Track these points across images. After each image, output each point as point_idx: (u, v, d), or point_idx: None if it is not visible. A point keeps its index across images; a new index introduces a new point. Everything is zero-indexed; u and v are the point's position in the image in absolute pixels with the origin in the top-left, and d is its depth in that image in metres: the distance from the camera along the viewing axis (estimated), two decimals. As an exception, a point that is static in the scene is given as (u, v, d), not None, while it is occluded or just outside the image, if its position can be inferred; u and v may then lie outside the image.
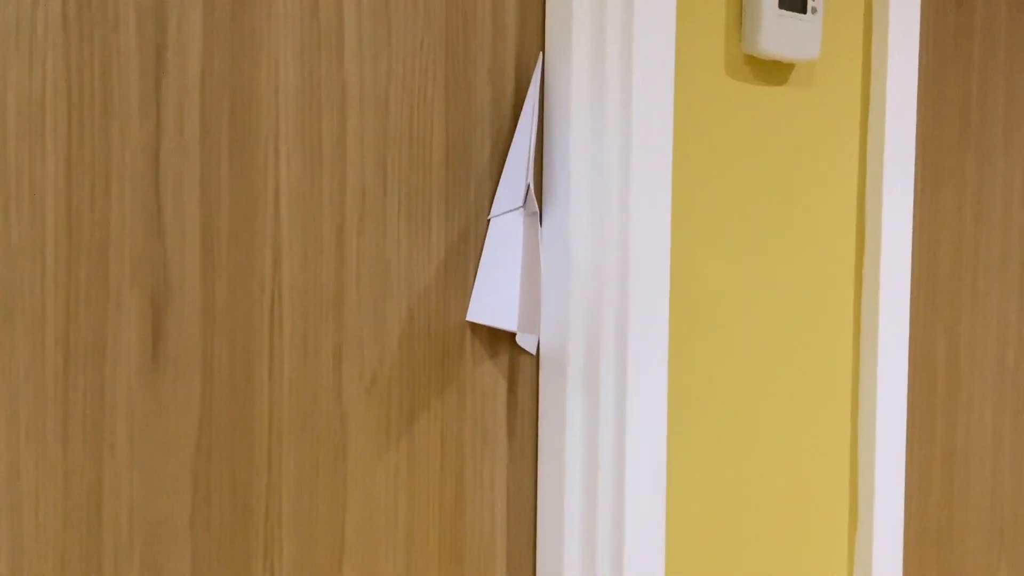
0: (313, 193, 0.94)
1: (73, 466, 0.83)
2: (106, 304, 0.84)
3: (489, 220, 1.06)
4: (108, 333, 0.84)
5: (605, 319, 1.06)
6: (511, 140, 1.06)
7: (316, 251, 0.94)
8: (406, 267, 1.00)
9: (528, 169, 1.04)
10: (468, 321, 1.05)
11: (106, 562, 0.85)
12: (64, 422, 0.83)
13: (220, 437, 0.90)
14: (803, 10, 1.19)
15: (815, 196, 1.27)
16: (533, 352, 1.09)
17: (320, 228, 0.95)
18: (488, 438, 1.06)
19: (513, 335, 1.08)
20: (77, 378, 0.83)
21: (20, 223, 0.80)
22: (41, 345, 0.81)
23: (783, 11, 1.17)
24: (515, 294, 1.04)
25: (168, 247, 0.87)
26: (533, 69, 1.07)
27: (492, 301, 1.04)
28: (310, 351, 0.95)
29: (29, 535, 0.82)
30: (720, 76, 1.17)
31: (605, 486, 1.07)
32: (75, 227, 0.82)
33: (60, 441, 0.83)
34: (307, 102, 0.93)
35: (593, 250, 1.06)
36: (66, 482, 0.83)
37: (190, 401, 0.88)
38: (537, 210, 1.05)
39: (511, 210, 1.05)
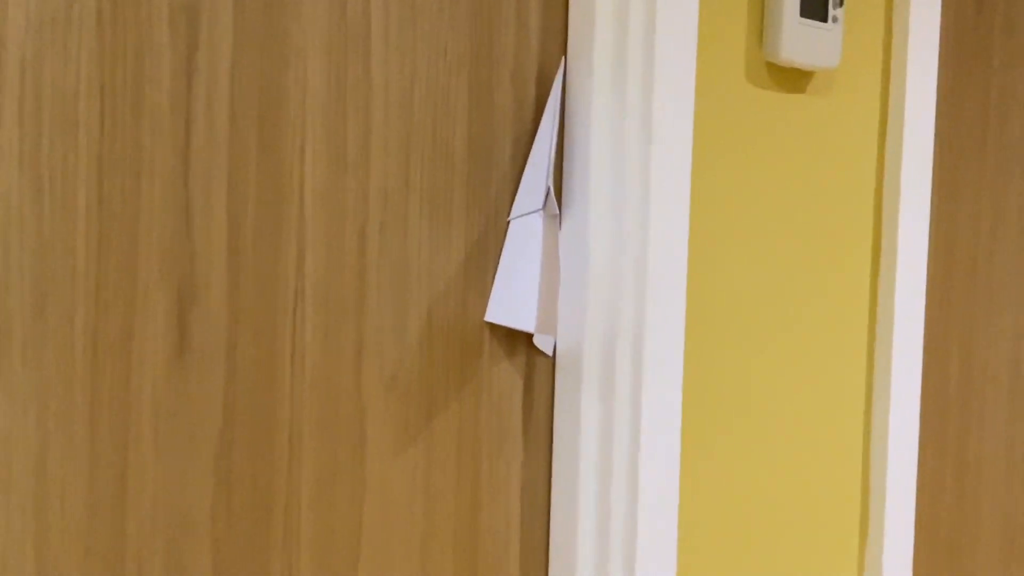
0: (337, 192, 0.95)
1: (99, 457, 0.84)
2: (134, 298, 0.85)
3: (509, 221, 1.06)
4: (136, 326, 0.85)
5: (622, 322, 1.07)
6: (532, 143, 1.07)
7: (339, 249, 0.96)
8: (427, 266, 1.01)
9: (548, 172, 1.04)
10: (486, 321, 1.05)
11: (129, 552, 0.86)
12: (91, 413, 0.84)
13: (242, 431, 0.91)
14: (824, 19, 1.19)
15: (833, 204, 1.27)
16: (550, 354, 1.10)
17: (343, 227, 0.96)
18: (504, 438, 1.07)
19: (530, 336, 1.09)
20: (105, 370, 0.84)
21: (52, 216, 0.81)
22: (71, 337, 0.83)
23: (804, 19, 1.18)
24: (534, 295, 1.05)
25: (196, 243, 0.88)
26: (555, 73, 1.08)
27: (510, 302, 1.05)
28: (331, 348, 0.96)
29: (55, 523, 0.83)
30: (740, 83, 1.17)
31: (619, 488, 1.07)
32: (105, 221, 0.84)
33: (87, 432, 0.84)
34: (333, 102, 0.95)
35: (611, 254, 1.07)
36: (91, 472, 0.84)
37: (214, 395, 0.90)
38: (557, 212, 1.05)
39: (531, 212, 1.05)
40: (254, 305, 0.91)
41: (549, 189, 1.04)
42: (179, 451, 0.88)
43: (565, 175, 1.09)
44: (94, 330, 0.84)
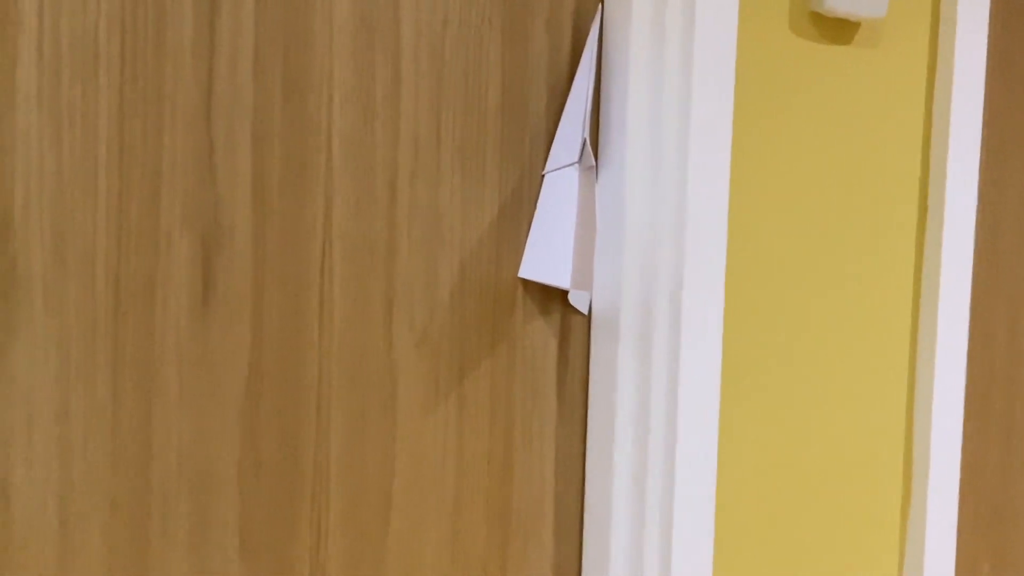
0: (366, 140, 0.93)
1: (122, 408, 0.83)
2: (157, 245, 0.83)
3: (544, 175, 1.04)
4: (159, 274, 0.83)
5: (660, 280, 1.04)
6: (567, 94, 1.04)
7: (368, 199, 0.93)
8: (459, 219, 0.98)
9: (584, 124, 1.02)
10: (520, 277, 1.03)
11: (155, 505, 0.85)
12: (114, 363, 0.82)
13: (269, 384, 0.89)
14: (872, -35, 1.15)
15: (878, 159, 1.24)
16: (585, 311, 1.07)
17: (373, 176, 0.93)
18: (538, 397, 1.05)
19: (565, 293, 1.06)
20: (127, 318, 0.82)
21: (72, 159, 0.79)
22: (91, 284, 0.81)
23: (851, -35, 1.13)
24: (568, 251, 1.03)
25: (219, 189, 0.85)
26: (591, 21, 1.05)
27: (545, 258, 1.02)
28: (360, 301, 0.93)
29: (78, 476, 0.81)
30: (784, 33, 1.14)
31: (655, 448, 1.05)
32: (127, 165, 0.81)
33: (110, 382, 0.82)
34: (362, 47, 0.92)
35: (649, 209, 1.04)
36: (115, 424, 0.82)
37: (240, 346, 0.87)
38: (593, 165, 1.03)
39: (566, 165, 1.03)
40: (280, 254, 0.89)
41: (585, 141, 1.02)
42: (204, 403, 0.86)
43: (602, 127, 1.06)
44: (116, 276, 0.81)
